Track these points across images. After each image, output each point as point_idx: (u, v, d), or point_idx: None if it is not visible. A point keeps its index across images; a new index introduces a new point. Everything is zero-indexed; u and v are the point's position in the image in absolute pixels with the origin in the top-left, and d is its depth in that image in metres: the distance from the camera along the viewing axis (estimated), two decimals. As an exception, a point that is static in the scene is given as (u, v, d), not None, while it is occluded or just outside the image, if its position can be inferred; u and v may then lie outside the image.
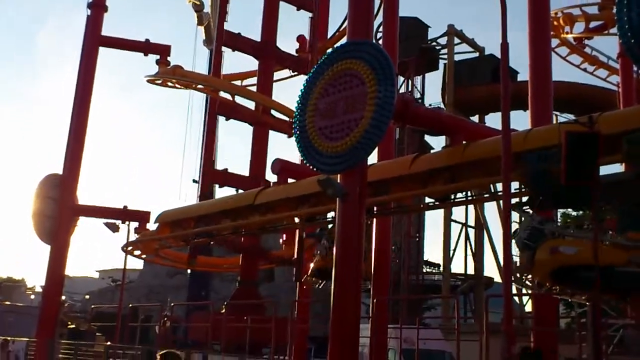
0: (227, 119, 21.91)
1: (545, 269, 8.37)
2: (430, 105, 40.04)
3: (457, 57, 39.20)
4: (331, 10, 29.22)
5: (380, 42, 22.94)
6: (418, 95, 39.83)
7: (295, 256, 14.16)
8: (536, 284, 8.75)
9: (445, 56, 39.39)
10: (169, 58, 22.39)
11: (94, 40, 22.04)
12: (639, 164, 8.39)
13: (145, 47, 22.50)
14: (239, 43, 22.35)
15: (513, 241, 8.86)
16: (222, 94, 22.02)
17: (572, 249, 8.24)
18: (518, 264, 9.32)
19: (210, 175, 21.04)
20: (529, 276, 8.72)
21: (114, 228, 19.31)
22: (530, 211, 9.01)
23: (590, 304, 8.05)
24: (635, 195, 8.53)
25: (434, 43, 40.52)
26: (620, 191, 8.71)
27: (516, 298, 20.77)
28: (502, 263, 9.12)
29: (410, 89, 39.19)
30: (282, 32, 23.22)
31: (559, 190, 8.35)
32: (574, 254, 8.12)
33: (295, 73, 24.21)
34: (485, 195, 12.61)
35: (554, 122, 16.40)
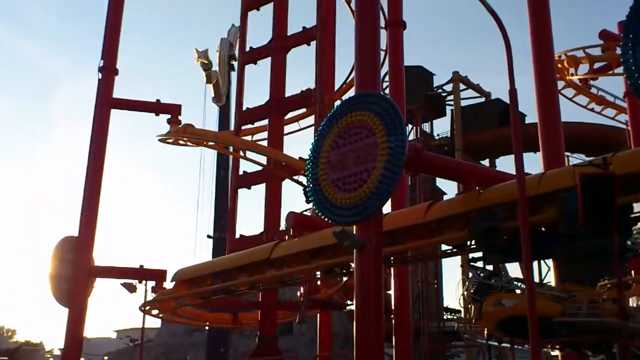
0: (249, 189, 21.92)
1: (491, 321, 8.96)
2: (438, 135, 40.35)
3: (463, 103, 39.56)
4: (337, 62, 29.91)
5: (387, 91, 23.27)
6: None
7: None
8: (486, 335, 9.33)
9: (452, 102, 39.74)
10: (179, 117, 22.73)
11: (106, 102, 22.43)
12: (573, 222, 8.69)
13: (156, 108, 22.84)
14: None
15: (464, 294, 9.44)
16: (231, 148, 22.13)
17: (511, 302, 8.86)
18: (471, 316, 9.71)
19: (234, 244, 20.90)
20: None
21: (132, 288, 19.24)
22: (484, 265, 9.55)
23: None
24: (569, 250, 9.10)
25: (440, 90, 40.94)
26: (556, 245, 9.32)
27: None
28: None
29: (418, 136, 39.40)
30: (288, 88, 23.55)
31: (505, 247, 9.26)
32: (513, 307, 8.71)
33: (304, 110, 24.17)
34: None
35: (566, 163, 16.43)
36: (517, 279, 9.71)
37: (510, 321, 8.79)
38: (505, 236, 9.45)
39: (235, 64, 27.08)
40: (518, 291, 9.48)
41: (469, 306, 9.65)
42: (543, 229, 9.65)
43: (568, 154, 29.37)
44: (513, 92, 8.74)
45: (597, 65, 23.72)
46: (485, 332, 9.39)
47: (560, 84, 23.81)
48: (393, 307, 13.99)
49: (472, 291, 9.36)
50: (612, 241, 7.94)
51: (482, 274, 9.55)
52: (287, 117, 23.91)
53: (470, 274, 9.73)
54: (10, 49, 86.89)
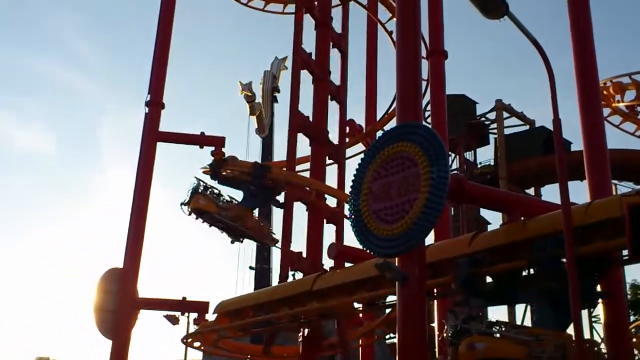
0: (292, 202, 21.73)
1: None
2: (480, 163, 39.92)
3: (507, 131, 39.16)
4: (378, 93, 30.02)
5: (429, 120, 23.19)
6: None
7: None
8: None
9: (495, 130, 39.39)
10: (223, 149, 23.00)
11: (152, 136, 22.88)
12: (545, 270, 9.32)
13: (200, 140, 23.15)
14: (307, 127, 22.45)
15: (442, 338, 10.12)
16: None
17: (481, 345, 9.20)
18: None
19: (288, 257, 20.66)
20: None
21: (174, 321, 19.38)
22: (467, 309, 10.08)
23: None
24: (542, 294, 9.59)
25: (483, 118, 40.67)
26: (523, 289, 9.98)
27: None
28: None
29: (461, 165, 39.09)
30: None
31: (485, 291, 10.14)
32: (484, 349, 9.06)
33: (332, 162, 24.25)
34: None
35: (614, 192, 16.00)
36: (498, 323, 9.95)
37: None
38: (488, 281, 10.23)
39: (278, 95, 27.37)
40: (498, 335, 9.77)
41: (447, 349, 9.89)
42: (531, 271, 10.04)
43: (615, 182, 28.76)
44: (557, 122, 8.61)
45: (644, 91, 23.26)
46: None
47: (607, 111, 23.40)
48: (436, 342, 13.73)
49: (449, 335, 9.71)
50: (585, 285, 8.32)
51: (459, 318, 9.90)
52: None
53: (449, 318, 10.03)
54: (62, 83, 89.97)
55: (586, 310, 31.06)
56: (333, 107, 24.03)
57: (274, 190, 21.17)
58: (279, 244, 22.04)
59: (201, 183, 21.05)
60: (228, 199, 21.38)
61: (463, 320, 9.79)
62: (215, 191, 21.32)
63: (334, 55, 24.66)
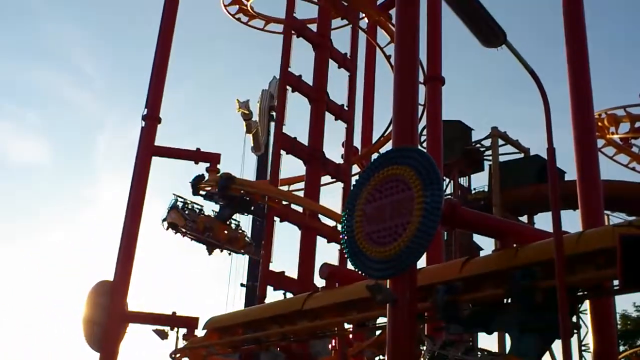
0: (281, 221, 22.10)
1: None
2: (474, 189, 40.10)
3: (502, 158, 39.41)
4: (375, 115, 30.23)
5: (425, 145, 23.35)
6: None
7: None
8: None
9: (490, 157, 39.62)
10: (218, 165, 23.10)
11: (148, 150, 22.96)
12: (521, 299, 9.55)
13: (196, 156, 23.28)
14: (295, 148, 22.80)
15: None
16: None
17: None
18: None
19: (268, 277, 20.92)
20: None
21: (163, 335, 19.29)
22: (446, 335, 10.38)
23: None
24: (516, 324, 9.70)
25: (478, 145, 40.92)
26: (500, 317, 10.13)
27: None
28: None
29: (455, 190, 39.25)
30: (327, 138, 23.88)
31: (464, 318, 10.31)
32: None
33: (334, 180, 24.58)
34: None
35: (606, 222, 16.11)
36: (475, 349, 10.19)
37: None
38: (466, 309, 10.43)
39: (274, 115, 27.59)
40: None
41: None
42: (508, 300, 10.15)
43: (608, 212, 28.91)
44: (551, 151, 8.70)
45: (638, 124, 23.50)
46: None
47: (601, 142, 23.61)
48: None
49: None
50: (554, 317, 8.41)
51: (436, 345, 10.11)
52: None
53: (427, 343, 10.26)
54: (62, 95, 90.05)
55: (576, 339, 31.23)
56: (332, 126, 24.24)
57: (249, 202, 22.13)
58: (257, 255, 22.92)
59: (179, 199, 22.66)
60: (199, 212, 22.78)
61: (440, 346, 9.90)
62: (197, 206, 22.80)
63: (341, 75, 25.07)
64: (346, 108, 24.89)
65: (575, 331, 10.27)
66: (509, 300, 10.16)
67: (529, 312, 9.51)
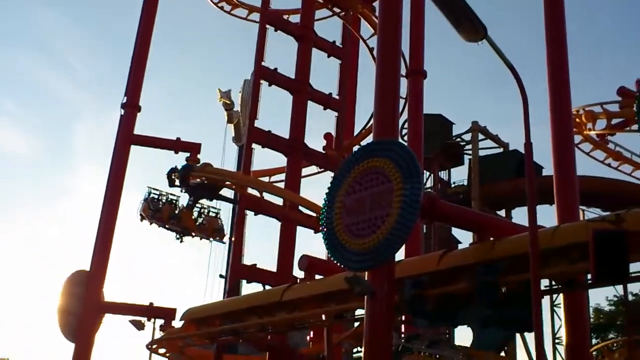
0: (255, 214, 22.12)
1: None
2: (454, 183, 40.39)
3: (481, 152, 39.63)
4: (357, 107, 30.25)
5: (406, 138, 23.44)
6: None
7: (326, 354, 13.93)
8: None
9: (470, 151, 39.83)
10: (198, 155, 23.00)
11: (126, 138, 22.78)
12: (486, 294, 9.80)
13: (175, 145, 23.14)
14: (270, 141, 22.82)
15: None
16: (251, 190, 22.36)
17: None
18: None
19: (238, 271, 21.02)
20: None
21: (140, 326, 19.21)
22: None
23: None
24: (480, 318, 9.97)
25: (459, 139, 41.10)
26: (463, 311, 10.40)
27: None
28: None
29: (434, 184, 39.44)
30: (310, 130, 23.89)
31: (429, 312, 10.53)
32: None
33: (323, 170, 24.65)
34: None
35: (581, 217, 16.33)
36: (439, 342, 10.55)
37: None
38: (433, 302, 10.67)
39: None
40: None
41: None
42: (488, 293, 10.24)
43: (584, 208, 29.22)
44: (529, 146, 8.80)
45: (614, 121, 23.79)
46: None
47: (578, 138, 23.87)
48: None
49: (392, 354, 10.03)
50: (519, 311, 8.84)
51: (401, 337, 10.46)
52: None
53: (393, 336, 10.46)
54: (42, 83, 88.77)
55: (551, 332, 31.63)
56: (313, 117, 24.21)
57: (213, 189, 22.76)
58: (226, 240, 23.65)
59: (152, 191, 24.17)
60: (169, 202, 24.18)
61: (405, 339, 10.20)
62: (172, 197, 24.18)
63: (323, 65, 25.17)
64: (336, 96, 25.03)
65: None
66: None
67: (492, 306, 9.75)
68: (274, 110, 25.34)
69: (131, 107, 23.15)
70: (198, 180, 22.76)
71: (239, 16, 30.07)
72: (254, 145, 22.91)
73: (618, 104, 23.24)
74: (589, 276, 9.31)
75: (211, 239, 25.00)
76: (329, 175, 24.02)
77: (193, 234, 24.38)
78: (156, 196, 24.31)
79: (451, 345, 10.54)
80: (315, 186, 30.24)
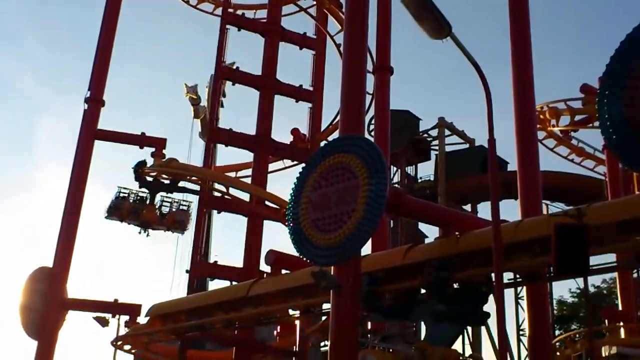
0: (219, 212, 22.09)
1: None
2: (421, 178, 40.79)
3: (448, 148, 40.01)
4: (325, 102, 30.26)
5: (373, 133, 23.52)
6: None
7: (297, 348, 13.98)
8: None
9: (437, 147, 40.18)
10: (164, 150, 22.75)
11: (90, 133, 22.39)
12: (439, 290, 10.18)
13: (140, 140, 22.84)
14: (233, 139, 22.87)
15: None
16: (217, 186, 22.24)
17: (372, 357, 10.17)
18: None
19: (200, 268, 20.94)
20: None
21: (104, 322, 18.93)
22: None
23: None
24: (430, 314, 10.33)
25: (426, 135, 41.42)
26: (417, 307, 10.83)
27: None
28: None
29: (401, 179, 39.70)
30: (281, 124, 24.00)
31: (384, 308, 11.02)
32: None
33: (295, 163, 24.70)
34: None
35: (544, 211, 16.60)
36: (392, 337, 10.89)
37: None
38: (389, 298, 11.11)
39: (224, 100, 27.36)
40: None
41: None
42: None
43: (548, 202, 29.76)
44: (492, 142, 8.91)
45: (577, 117, 24.21)
46: None
47: (542, 134, 24.26)
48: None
49: None
50: (466, 307, 9.23)
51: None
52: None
53: None
54: (3, 77, 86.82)
55: (515, 324, 32.14)
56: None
57: (170, 184, 23.33)
58: (190, 233, 23.82)
59: (122, 190, 24.72)
60: (135, 198, 24.63)
61: (361, 334, 10.34)
62: (142, 195, 24.47)
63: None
64: (309, 87, 25.10)
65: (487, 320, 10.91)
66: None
67: (444, 302, 10.08)
68: (243, 105, 25.25)
69: (95, 102, 22.78)
70: (154, 174, 22.91)
71: (205, 11, 29.78)
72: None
73: (581, 100, 23.66)
74: (552, 269, 9.48)
75: (172, 230, 25.00)
76: (296, 171, 24.10)
77: (153, 226, 24.61)
78: (126, 194, 24.57)
79: (405, 340, 10.70)
80: (284, 181, 30.21)
